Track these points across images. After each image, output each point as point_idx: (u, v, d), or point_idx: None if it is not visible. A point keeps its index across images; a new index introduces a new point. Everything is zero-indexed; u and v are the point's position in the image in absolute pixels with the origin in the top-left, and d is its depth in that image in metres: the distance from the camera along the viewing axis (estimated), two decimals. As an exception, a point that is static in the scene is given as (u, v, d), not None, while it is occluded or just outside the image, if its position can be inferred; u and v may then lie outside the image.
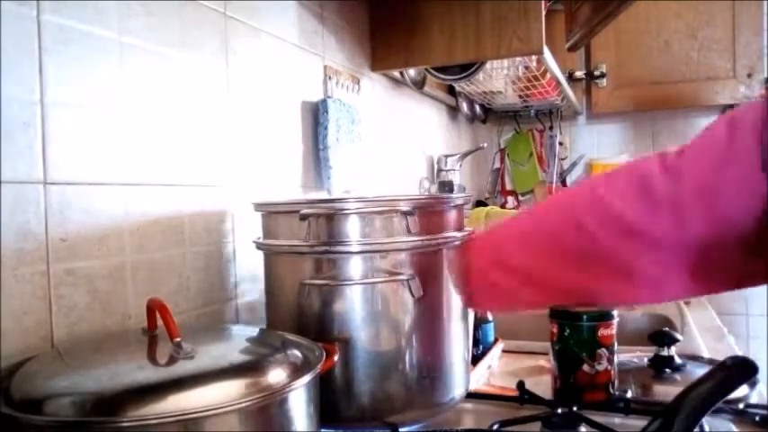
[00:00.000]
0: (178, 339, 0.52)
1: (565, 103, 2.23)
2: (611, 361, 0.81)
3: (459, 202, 0.74)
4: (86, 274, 0.64)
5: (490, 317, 1.05)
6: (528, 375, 0.91)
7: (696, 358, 0.96)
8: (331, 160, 1.10)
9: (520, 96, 2.05)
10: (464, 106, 2.07)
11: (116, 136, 0.69)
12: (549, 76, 1.76)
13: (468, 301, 0.75)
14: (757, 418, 0.75)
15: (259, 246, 0.74)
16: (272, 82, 1.00)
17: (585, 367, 0.80)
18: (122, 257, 0.69)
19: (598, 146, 2.46)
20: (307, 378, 0.51)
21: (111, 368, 0.51)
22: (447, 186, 1.75)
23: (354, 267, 0.67)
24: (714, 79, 2.14)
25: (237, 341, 0.64)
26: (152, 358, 0.55)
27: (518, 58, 1.65)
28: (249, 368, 0.51)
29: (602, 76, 2.24)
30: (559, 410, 0.74)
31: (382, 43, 1.34)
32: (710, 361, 0.95)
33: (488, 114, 2.34)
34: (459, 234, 0.72)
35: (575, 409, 0.74)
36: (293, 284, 0.69)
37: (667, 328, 0.96)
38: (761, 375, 0.69)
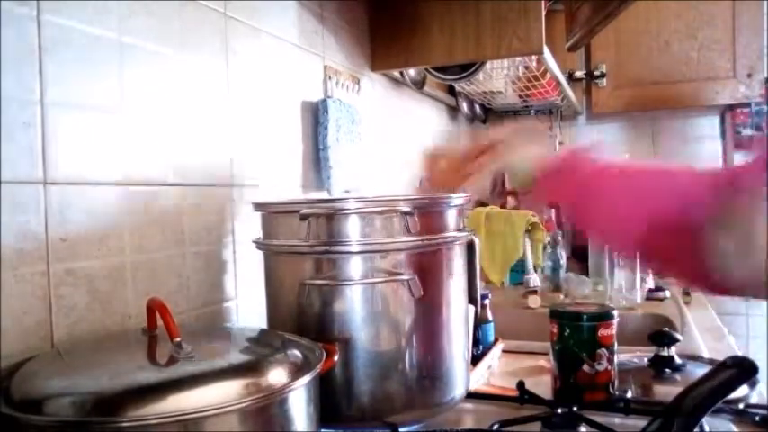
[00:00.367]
0: (178, 339, 0.52)
1: (565, 103, 2.23)
2: (611, 361, 0.81)
3: (459, 202, 0.74)
4: (86, 274, 0.64)
5: (490, 317, 1.05)
6: (528, 375, 0.91)
7: (696, 358, 0.96)
8: (331, 160, 1.10)
9: (520, 96, 2.05)
10: (464, 106, 2.07)
11: (116, 136, 0.69)
12: (549, 76, 1.76)
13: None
14: (757, 418, 0.75)
15: (259, 246, 0.74)
16: (272, 82, 0.99)
17: (585, 367, 0.80)
18: (122, 257, 0.69)
19: (598, 146, 2.46)
20: (307, 378, 0.51)
21: (111, 368, 0.51)
22: (447, 186, 1.74)
23: (354, 267, 0.67)
24: (714, 79, 2.13)
25: (237, 341, 0.64)
26: (152, 358, 0.55)
27: (518, 58, 1.65)
28: (249, 368, 0.51)
29: (602, 76, 2.24)
30: (559, 410, 0.74)
31: (382, 43, 1.34)
32: (710, 361, 0.95)
33: (488, 114, 2.34)
34: (459, 234, 0.72)
35: (575, 409, 0.74)
36: (293, 284, 0.69)
37: (667, 328, 0.96)
38: (761, 375, 0.69)
